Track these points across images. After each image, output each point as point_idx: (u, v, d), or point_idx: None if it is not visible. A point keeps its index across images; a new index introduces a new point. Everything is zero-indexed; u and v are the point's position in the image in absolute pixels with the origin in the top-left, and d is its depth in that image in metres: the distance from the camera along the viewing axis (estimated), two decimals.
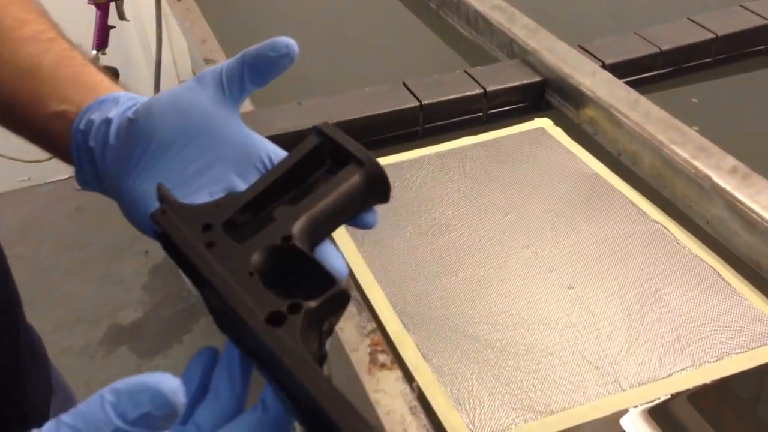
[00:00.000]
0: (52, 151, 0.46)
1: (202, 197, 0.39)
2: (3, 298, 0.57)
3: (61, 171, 2.50)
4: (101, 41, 1.83)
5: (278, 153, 0.41)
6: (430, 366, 0.61)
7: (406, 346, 0.63)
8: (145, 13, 2.15)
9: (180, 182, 0.40)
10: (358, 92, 0.95)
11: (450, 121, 0.95)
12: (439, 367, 0.61)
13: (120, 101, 0.43)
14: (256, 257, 0.33)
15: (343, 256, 0.38)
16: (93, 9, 1.82)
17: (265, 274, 0.33)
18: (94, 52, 1.79)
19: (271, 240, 0.34)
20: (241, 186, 0.39)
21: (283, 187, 0.37)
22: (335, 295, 0.31)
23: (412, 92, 0.94)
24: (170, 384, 0.26)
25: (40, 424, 0.26)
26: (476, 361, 0.62)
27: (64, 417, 0.26)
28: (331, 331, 0.33)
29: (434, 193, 0.81)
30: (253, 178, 0.39)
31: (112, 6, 1.85)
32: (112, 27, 1.86)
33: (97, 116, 0.43)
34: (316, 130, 0.39)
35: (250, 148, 0.41)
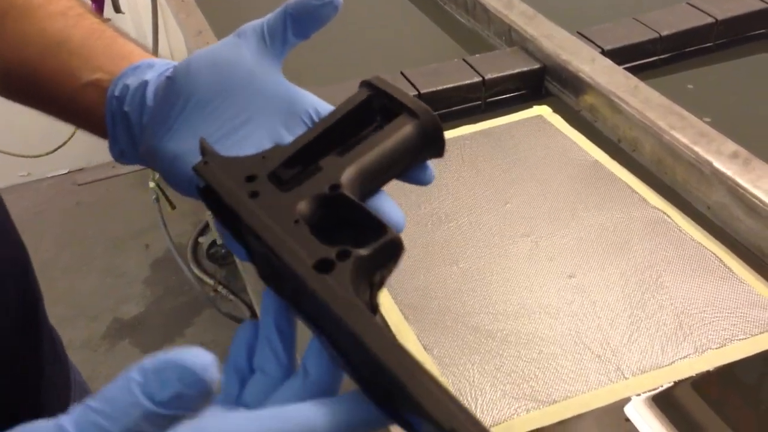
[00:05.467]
0: (84, 124, 0.45)
1: (245, 150, 0.37)
2: (26, 296, 0.57)
3: (61, 166, 2.50)
4: None
5: (326, 107, 0.40)
6: (431, 357, 0.61)
7: (407, 338, 0.63)
8: (141, 5, 2.14)
9: (220, 137, 0.38)
10: (355, 82, 0.94)
11: (449, 109, 0.94)
12: (440, 358, 0.61)
13: (155, 66, 0.43)
14: (302, 205, 0.32)
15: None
16: (88, 2, 1.81)
17: (312, 223, 0.31)
18: None
19: (319, 189, 0.33)
20: (288, 139, 0.38)
21: (331, 140, 0.36)
22: (388, 243, 0.29)
23: (410, 81, 0.93)
24: (201, 359, 0.23)
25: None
26: (477, 351, 0.61)
27: (91, 401, 0.24)
28: (382, 283, 0.31)
29: (433, 183, 0.80)
30: (300, 131, 0.37)
31: None
32: (108, 20, 1.85)
33: (132, 81, 0.42)
34: (366, 84, 0.37)
35: (297, 101, 0.40)
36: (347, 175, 0.33)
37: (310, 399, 0.27)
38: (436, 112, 0.92)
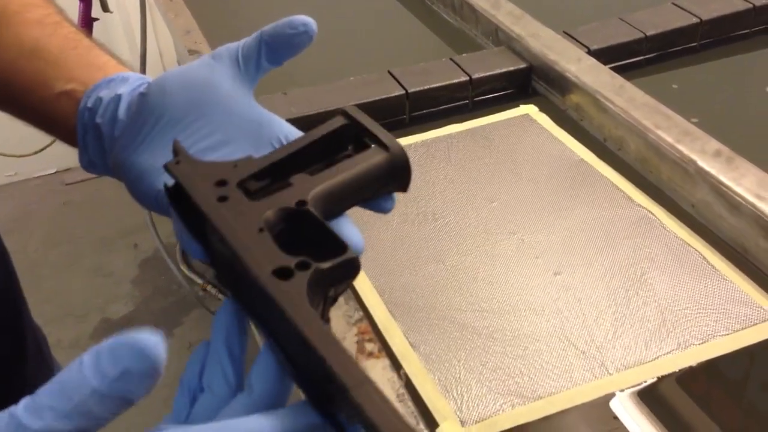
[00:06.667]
0: (55, 132, 0.46)
1: None
2: (9, 300, 0.57)
3: (49, 166, 2.49)
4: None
5: (295, 133, 0.40)
6: (418, 354, 0.62)
7: (394, 335, 0.63)
8: (130, 4, 2.13)
9: (193, 154, 0.39)
10: (343, 81, 0.95)
11: (436, 108, 0.95)
12: (427, 355, 0.62)
13: (129, 80, 0.43)
14: (268, 215, 0.33)
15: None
16: (76, 1, 1.80)
17: (276, 234, 0.32)
18: None
19: (286, 203, 0.34)
20: None
21: (303, 160, 0.37)
22: (347, 261, 0.31)
23: (397, 80, 0.94)
24: (150, 339, 0.24)
25: None
26: (463, 348, 0.62)
27: (44, 386, 0.25)
28: (335, 299, 0.32)
29: (420, 182, 0.81)
30: None
31: None
32: (96, 19, 1.84)
33: (105, 94, 0.42)
34: (343, 113, 0.38)
35: (267, 127, 0.40)
36: (315, 193, 0.35)
37: (256, 413, 0.28)
38: (424, 111, 0.93)
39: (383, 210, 0.39)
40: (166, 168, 0.36)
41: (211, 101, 0.40)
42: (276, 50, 0.41)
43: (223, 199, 0.34)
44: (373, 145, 0.37)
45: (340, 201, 0.36)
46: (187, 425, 0.28)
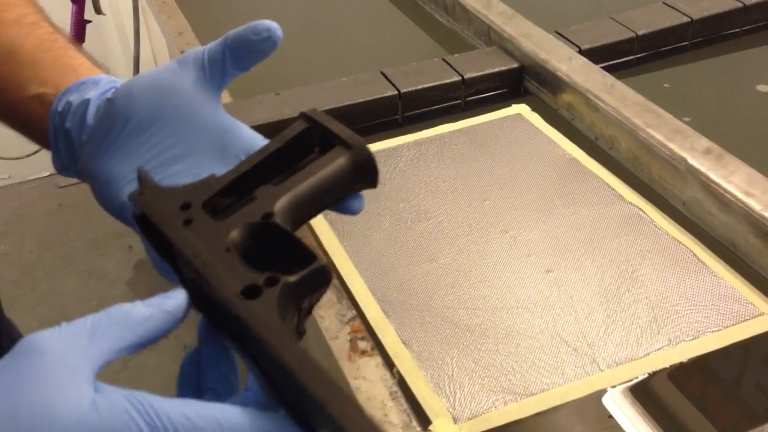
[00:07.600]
0: (30, 134, 0.46)
1: (179, 182, 0.38)
2: None
3: (43, 168, 2.48)
4: (78, 36, 1.82)
5: (260, 139, 0.40)
6: (410, 352, 0.62)
7: (387, 333, 0.64)
8: (122, 6, 2.13)
9: (155, 166, 0.39)
10: (336, 82, 0.95)
11: (429, 108, 0.95)
12: (419, 353, 0.62)
13: (100, 83, 0.43)
14: (234, 233, 0.33)
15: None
16: (68, 3, 1.80)
17: (244, 251, 0.32)
18: None
19: (252, 218, 0.33)
20: (223, 172, 0.38)
21: (267, 171, 0.36)
22: (315, 271, 0.30)
23: (390, 81, 0.94)
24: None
25: None
26: (456, 345, 0.62)
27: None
28: (310, 310, 0.32)
29: (413, 181, 0.81)
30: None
31: (88, 0, 1.83)
32: (89, 21, 1.84)
33: (75, 98, 0.42)
34: (304, 116, 0.38)
35: (232, 136, 0.40)
36: (280, 204, 0.34)
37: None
38: (417, 111, 0.94)
39: (352, 211, 0.39)
40: (131, 198, 0.36)
41: (177, 109, 0.40)
42: (240, 57, 0.40)
43: (188, 222, 0.33)
44: (336, 146, 0.37)
45: (307, 207, 0.36)
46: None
